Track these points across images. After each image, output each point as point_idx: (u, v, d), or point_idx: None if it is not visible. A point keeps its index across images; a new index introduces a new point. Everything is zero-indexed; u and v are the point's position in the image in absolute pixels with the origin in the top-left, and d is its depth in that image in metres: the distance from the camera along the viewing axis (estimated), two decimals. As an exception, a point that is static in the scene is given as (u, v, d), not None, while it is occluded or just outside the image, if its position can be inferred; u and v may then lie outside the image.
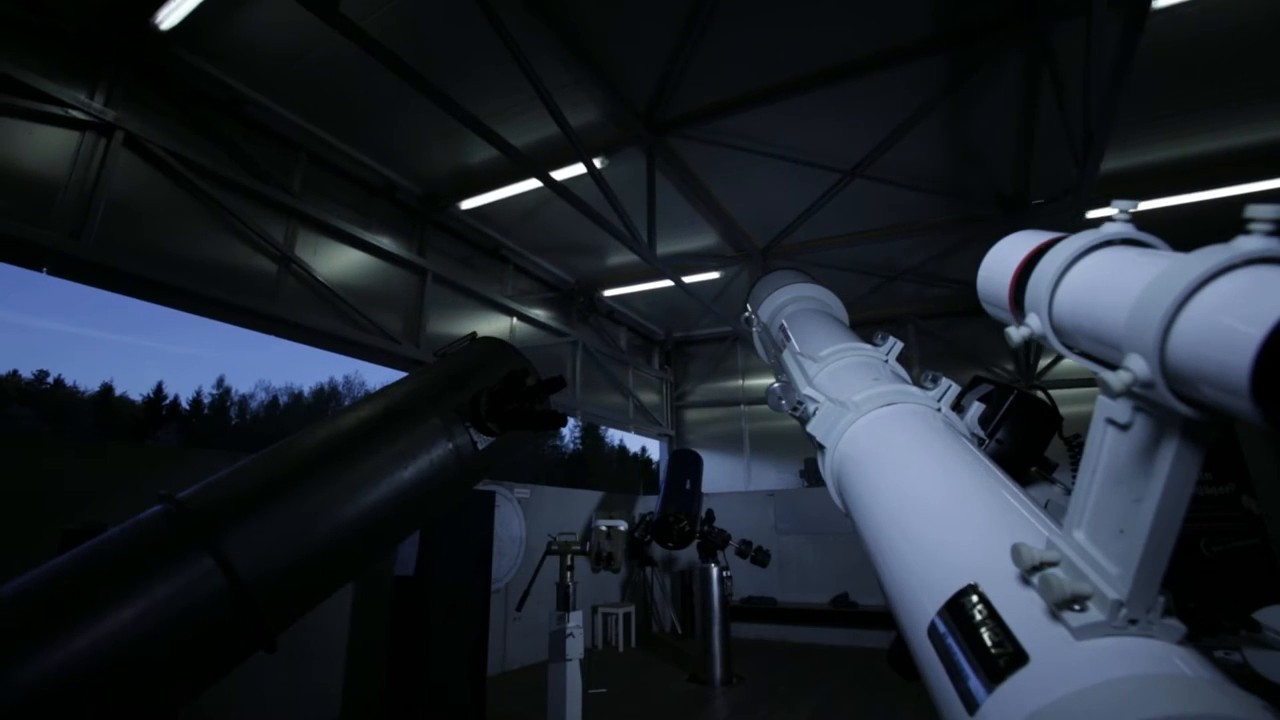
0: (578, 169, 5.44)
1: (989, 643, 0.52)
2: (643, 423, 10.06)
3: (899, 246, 7.38)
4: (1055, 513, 0.67)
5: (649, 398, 10.47)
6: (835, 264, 7.65)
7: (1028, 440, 1.08)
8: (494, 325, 7.56)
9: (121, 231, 4.16)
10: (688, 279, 7.53)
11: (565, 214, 6.69)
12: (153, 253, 4.30)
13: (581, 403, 8.76)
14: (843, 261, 7.69)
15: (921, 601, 0.62)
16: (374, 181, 6.06)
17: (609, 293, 8.96)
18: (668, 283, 8.34)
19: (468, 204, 6.43)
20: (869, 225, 6.95)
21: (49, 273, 3.87)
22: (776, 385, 1.07)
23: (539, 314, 8.10)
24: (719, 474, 10.39)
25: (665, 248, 7.47)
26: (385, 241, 6.06)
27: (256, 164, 5.04)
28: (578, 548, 3.92)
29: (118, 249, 4.08)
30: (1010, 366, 8.59)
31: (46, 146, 3.91)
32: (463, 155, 5.85)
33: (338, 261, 5.70)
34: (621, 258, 7.98)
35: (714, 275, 7.98)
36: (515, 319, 7.84)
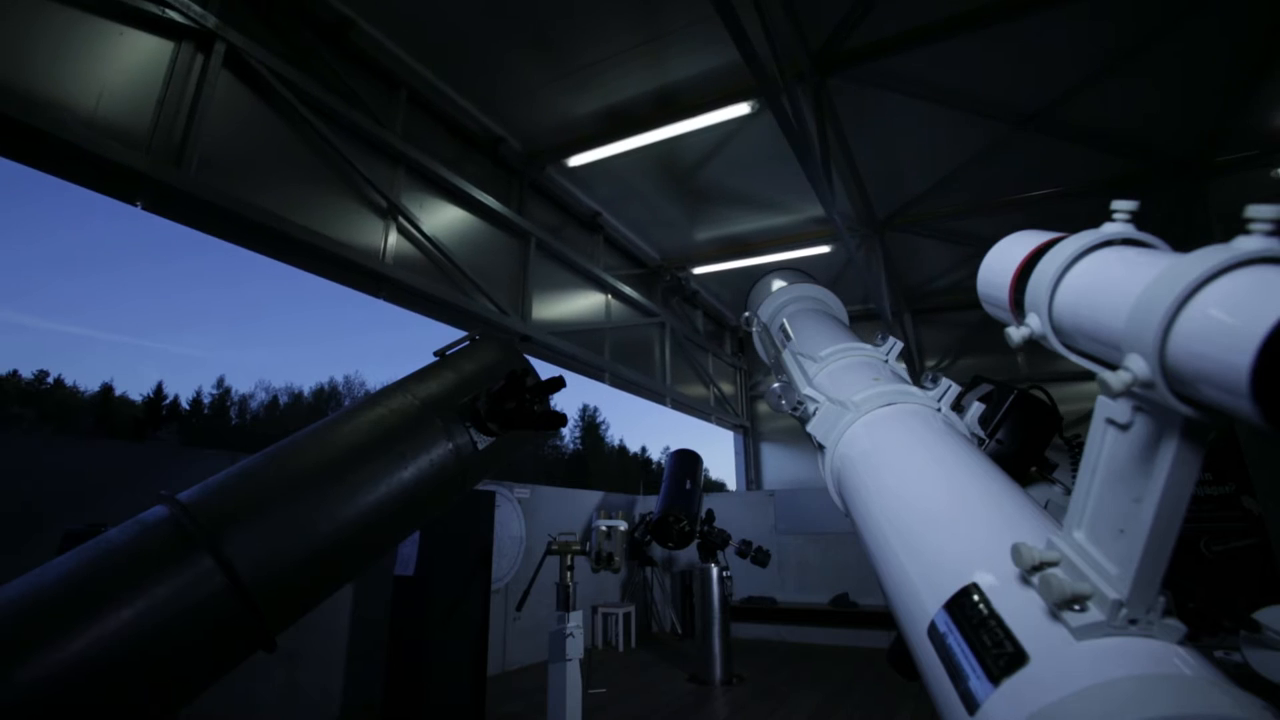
0: (707, 119, 4.83)
1: (989, 643, 0.52)
2: (721, 414, 9.55)
3: (1013, 221, 6.63)
4: (1055, 513, 0.67)
5: (724, 387, 9.89)
6: (945, 236, 6.91)
7: (1028, 440, 1.07)
8: (588, 301, 6.98)
9: (222, 165, 3.55)
10: (789, 254, 6.91)
11: (667, 178, 6.12)
12: (254, 193, 3.68)
13: (669, 389, 8.24)
14: (954, 234, 6.92)
15: (922, 601, 0.62)
16: (475, 132, 5.39)
17: (698, 271, 8.12)
18: (751, 261, 7.57)
19: (576, 160, 5.72)
20: (998, 194, 6.15)
21: (144, 207, 3.29)
22: (777, 385, 1.07)
23: (629, 292, 7.45)
24: (798, 471, 9.88)
25: (762, 220, 6.87)
26: (490, 200, 5.43)
27: (361, 101, 4.41)
28: (578, 548, 3.92)
29: (219, 184, 3.48)
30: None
31: (139, 56, 3.34)
32: (570, 106, 5.14)
33: (439, 219, 5.06)
34: (713, 231, 7.21)
35: (823, 249, 7.25)
36: (610, 296, 7.21)
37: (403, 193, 4.69)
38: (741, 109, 4.88)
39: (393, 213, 4.58)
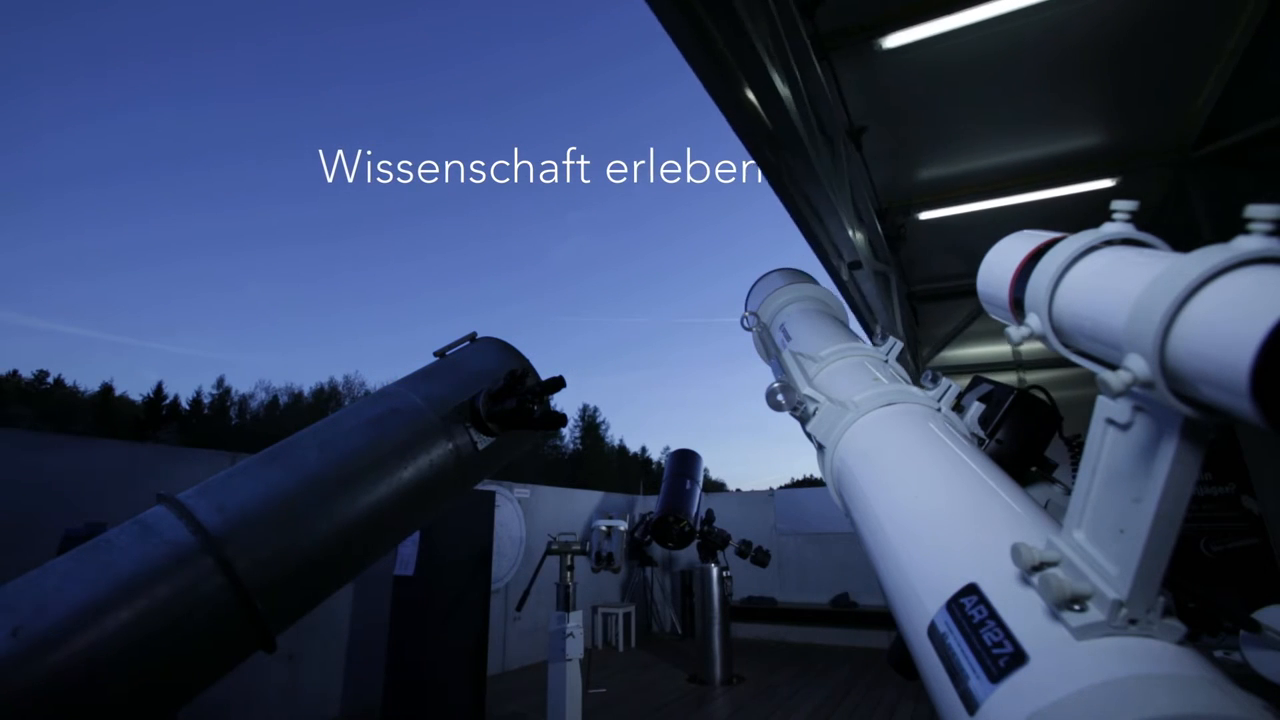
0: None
1: (989, 643, 0.52)
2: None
3: None
4: (1055, 513, 0.67)
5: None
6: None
7: (1028, 440, 1.07)
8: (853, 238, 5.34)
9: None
10: (1051, 192, 5.35)
11: (943, 85, 4.58)
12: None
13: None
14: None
15: (922, 601, 0.62)
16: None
17: (924, 216, 6.27)
18: (996, 202, 5.77)
19: (894, 40, 4.12)
20: None
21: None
22: (776, 385, 1.07)
23: (880, 233, 6.09)
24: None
25: (1027, 149, 5.25)
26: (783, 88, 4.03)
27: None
28: (578, 548, 3.92)
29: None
30: None
31: None
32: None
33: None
34: (941, 169, 5.57)
35: (1101, 184, 5.48)
36: (865, 235, 5.76)
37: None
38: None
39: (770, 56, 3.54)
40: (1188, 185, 5.46)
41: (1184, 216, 5.78)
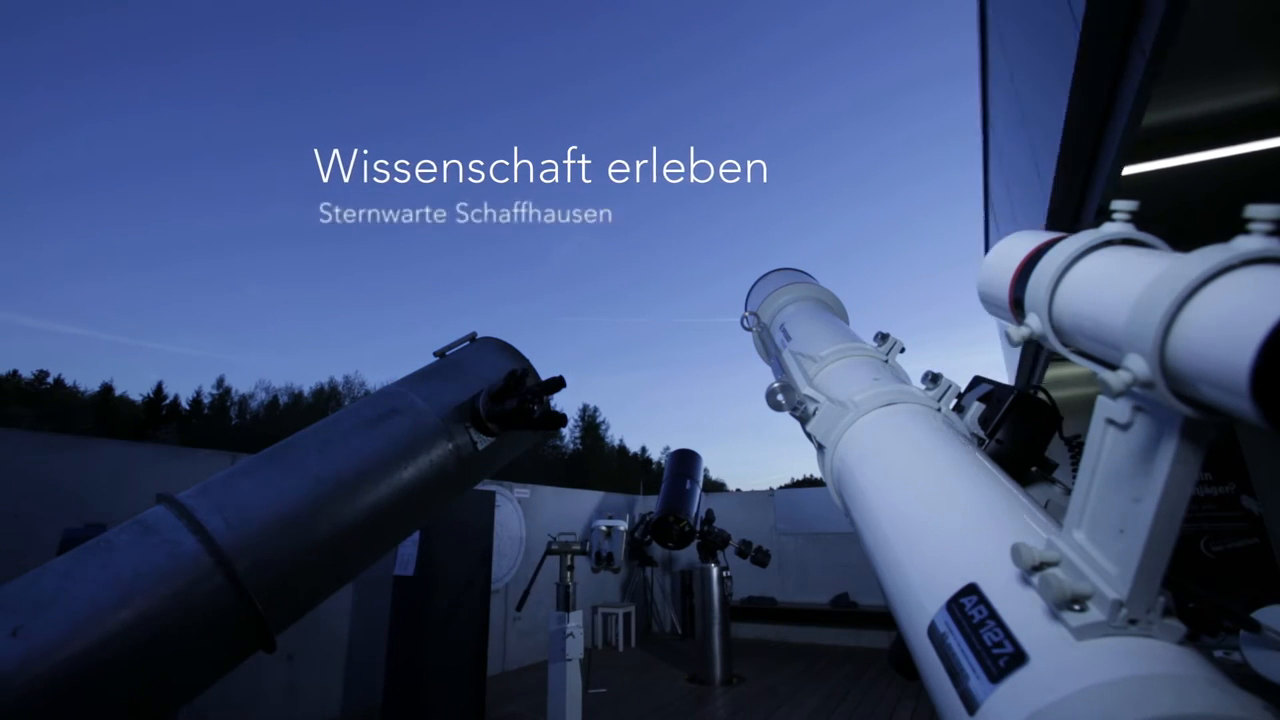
0: None
1: (989, 643, 0.52)
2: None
3: None
4: (1055, 513, 0.67)
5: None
6: None
7: (1028, 440, 1.07)
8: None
9: None
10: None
11: None
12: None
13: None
14: None
15: (922, 601, 0.62)
16: None
17: (1130, 170, 3.70)
18: (1219, 152, 3.77)
19: None
20: None
21: None
22: (776, 385, 1.07)
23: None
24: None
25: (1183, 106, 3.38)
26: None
27: None
28: (578, 548, 3.92)
29: None
30: None
31: None
32: None
33: None
34: (1164, 112, 3.58)
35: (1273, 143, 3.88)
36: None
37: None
38: None
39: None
40: None
41: None
